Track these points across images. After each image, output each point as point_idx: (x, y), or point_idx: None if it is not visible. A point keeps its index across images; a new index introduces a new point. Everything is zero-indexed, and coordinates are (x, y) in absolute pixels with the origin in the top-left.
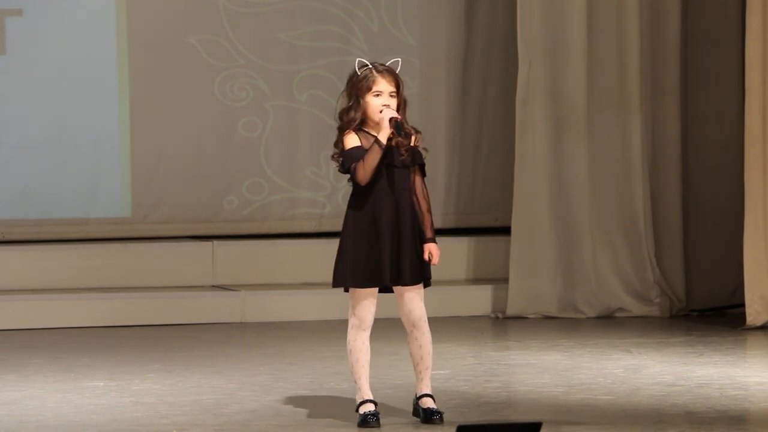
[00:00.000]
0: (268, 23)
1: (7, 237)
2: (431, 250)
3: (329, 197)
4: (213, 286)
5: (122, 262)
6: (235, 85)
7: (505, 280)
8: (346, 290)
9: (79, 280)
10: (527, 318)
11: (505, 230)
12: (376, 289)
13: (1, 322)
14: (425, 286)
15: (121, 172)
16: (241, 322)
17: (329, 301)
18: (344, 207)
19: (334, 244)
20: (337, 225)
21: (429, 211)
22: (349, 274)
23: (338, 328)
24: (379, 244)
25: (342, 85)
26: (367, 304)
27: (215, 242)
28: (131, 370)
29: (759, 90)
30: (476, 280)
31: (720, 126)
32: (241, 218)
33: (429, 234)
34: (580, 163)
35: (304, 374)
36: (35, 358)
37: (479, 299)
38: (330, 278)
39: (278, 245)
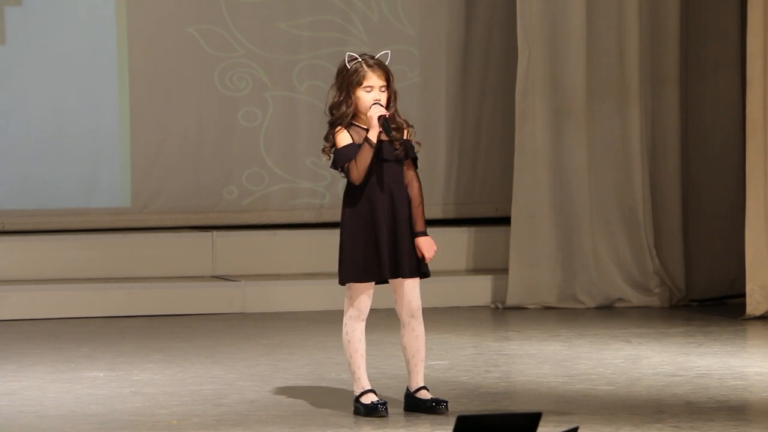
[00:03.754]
0: (268, 13)
1: (7, 227)
2: (421, 244)
3: (329, 187)
4: (213, 276)
5: (122, 252)
6: (234, 75)
7: (505, 270)
8: (342, 284)
9: (78, 270)
10: (527, 308)
11: (505, 220)
12: (373, 281)
13: (1, 312)
14: (423, 277)
15: (120, 162)
16: (241, 313)
17: (329, 292)
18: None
19: (334, 234)
20: (337, 215)
21: (421, 204)
22: (351, 270)
23: (338, 319)
24: (377, 238)
25: None
26: (367, 295)
27: (215, 232)
28: (131, 360)
29: (760, 79)
30: (476, 271)
31: (720, 115)
32: (240, 208)
33: (419, 227)
34: (579, 152)
35: (304, 364)
36: (35, 348)
37: (479, 289)
38: (331, 269)
39: (278, 235)
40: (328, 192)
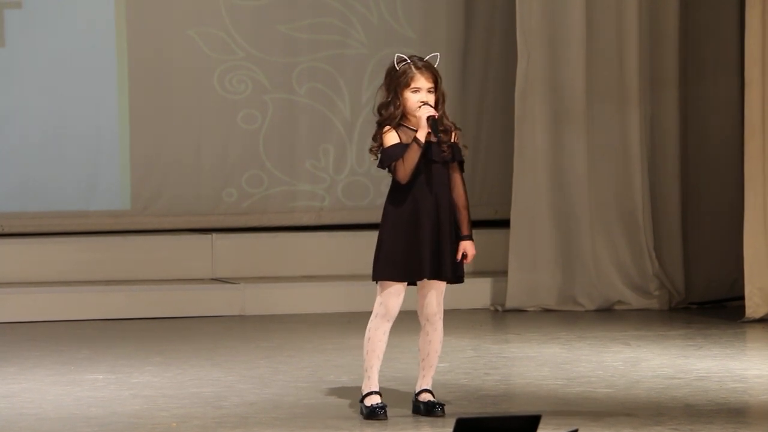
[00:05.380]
0: (268, 16)
1: (7, 230)
2: (466, 248)
3: (328, 190)
4: (212, 278)
5: (122, 254)
6: (234, 77)
7: (505, 272)
8: (375, 281)
9: (78, 272)
10: (526, 311)
11: (505, 223)
12: (406, 282)
13: (1, 314)
14: (458, 282)
15: (120, 164)
16: (240, 315)
17: (329, 294)
18: (343, 200)
19: (334, 236)
20: (337, 218)
21: (467, 207)
22: (391, 268)
23: (338, 321)
24: (420, 238)
25: (341, 78)
26: (397, 296)
27: (215, 235)
28: (131, 362)
29: (758, 82)
30: (475, 273)
31: (719, 117)
32: (240, 211)
33: (465, 231)
34: (579, 155)
35: (304, 367)
36: (35, 350)
37: (479, 292)
38: (330, 271)
39: (278, 238)
40: (327, 194)
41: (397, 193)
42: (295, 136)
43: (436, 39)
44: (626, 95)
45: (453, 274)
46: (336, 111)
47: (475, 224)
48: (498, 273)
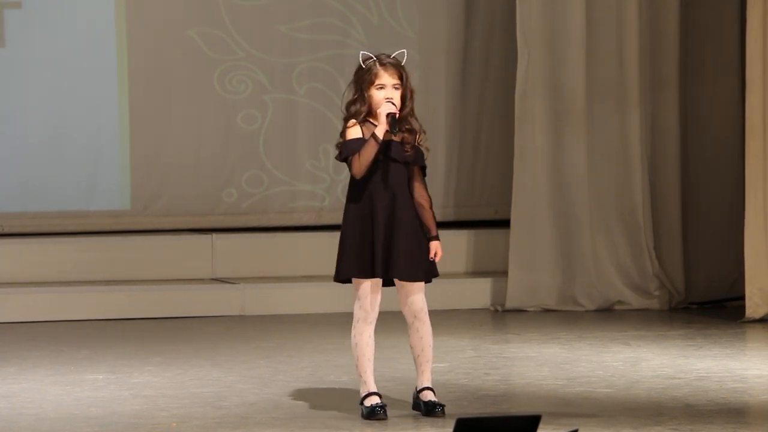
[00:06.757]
0: (268, 16)
1: (7, 230)
2: (437, 249)
3: (328, 190)
4: (212, 279)
5: (122, 254)
6: (234, 77)
7: (505, 272)
8: (349, 282)
9: (78, 272)
10: (526, 311)
11: (505, 223)
12: (380, 282)
13: (1, 314)
14: (427, 281)
15: (120, 164)
16: (240, 315)
17: (329, 294)
18: (343, 200)
19: (334, 236)
20: (337, 218)
21: (431, 208)
22: (345, 265)
23: (338, 321)
24: (373, 236)
25: (341, 78)
26: (371, 297)
27: (215, 235)
28: (131, 362)
29: (759, 82)
30: (476, 273)
31: (719, 118)
32: (240, 211)
33: (434, 232)
34: (579, 155)
35: (304, 367)
36: (35, 350)
37: (479, 292)
38: (331, 271)
39: (278, 238)
40: (327, 194)
41: (355, 189)
42: (295, 136)
43: (436, 39)
44: (626, 95)
45: (413, 273)
46: (336, 111)
47: (475, 224)
48: (498, 273)
